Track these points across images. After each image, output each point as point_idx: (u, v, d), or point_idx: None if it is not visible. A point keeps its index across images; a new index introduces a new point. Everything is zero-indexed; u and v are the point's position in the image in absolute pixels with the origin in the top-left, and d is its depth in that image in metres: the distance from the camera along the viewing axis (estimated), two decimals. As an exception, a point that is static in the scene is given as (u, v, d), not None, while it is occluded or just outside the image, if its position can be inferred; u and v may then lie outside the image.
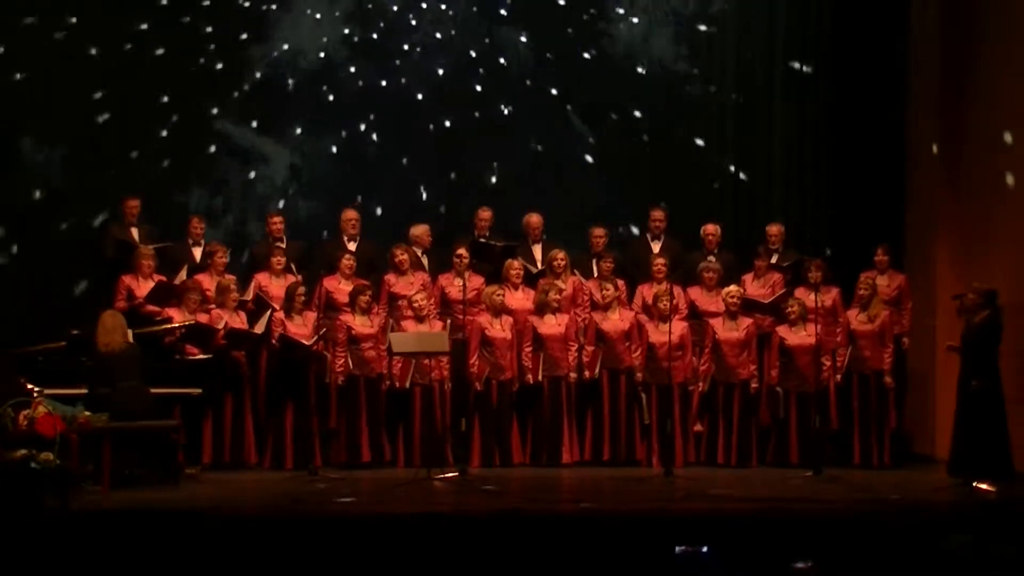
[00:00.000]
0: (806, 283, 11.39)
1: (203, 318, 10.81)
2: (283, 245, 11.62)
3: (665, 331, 11.02)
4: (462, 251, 11.42)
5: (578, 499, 9.55)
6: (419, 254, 11.74)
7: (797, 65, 13.10)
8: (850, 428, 11.24)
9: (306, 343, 10.68)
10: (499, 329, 11.20)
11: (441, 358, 10.93)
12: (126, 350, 9.74)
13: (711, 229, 11.98)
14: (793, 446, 11.21)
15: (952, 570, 7.32)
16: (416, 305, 11.02)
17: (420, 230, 11.83)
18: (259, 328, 10.83)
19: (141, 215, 11.64)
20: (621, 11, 13.14)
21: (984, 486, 9.65)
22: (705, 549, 7.20)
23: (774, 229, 12.03)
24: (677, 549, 7.19)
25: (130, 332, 10.01)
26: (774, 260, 11.83)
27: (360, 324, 11.03)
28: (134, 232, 11.56)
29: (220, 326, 10.77)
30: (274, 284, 11.30)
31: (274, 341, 10.85)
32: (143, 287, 11.03)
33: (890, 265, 11.70)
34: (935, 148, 12.37)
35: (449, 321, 11.24)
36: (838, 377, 11.25)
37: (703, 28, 13.20)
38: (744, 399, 11.30)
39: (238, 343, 10.84)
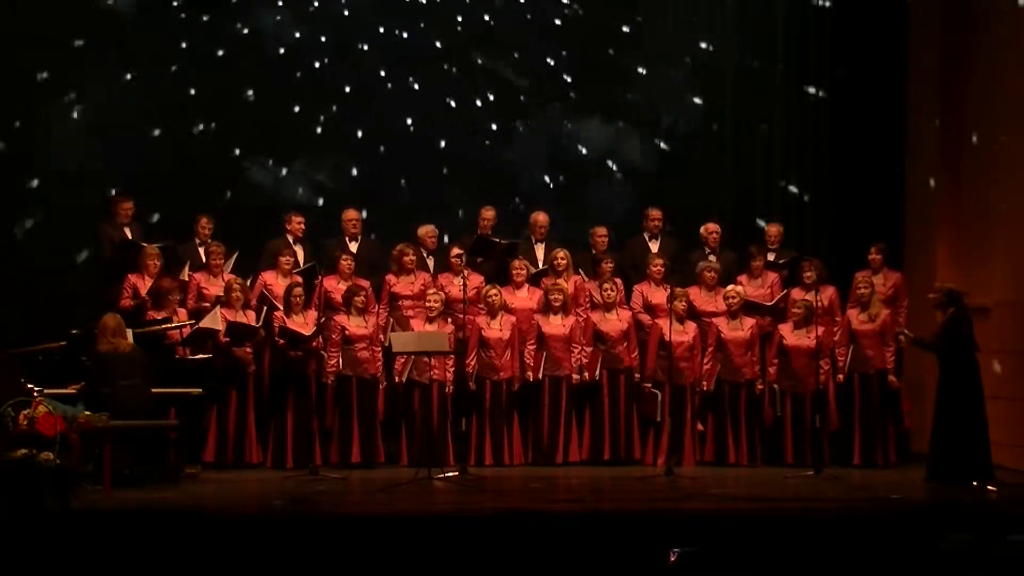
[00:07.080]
0: (801, 283, 11.38)
1: (183, 315, 10.81)
2: (299, 246, 11.59)
3: (680, 331, 10.99)
4: (456, 251, 11.42)
5: (578, 498, 9.55)
6: (424, 255, 11.74)
7: (796, 66, 13.14)
8: (851, 428, 11.22)
9: (306, 334, 10.71)
10: (496, 329, 11.20)
11: (446, 358, 10.94)
12: (128, 351, 9.73)
13: (712, 227, 11.95)
14: (788, 445, 11.19)
15: (952, 570, 7.32)
16: (429, 305, 11.02)
17: (426, 230, 11.81)
18: (257, 322, 10.85)
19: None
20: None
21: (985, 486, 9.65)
22: None
23: (773, 229, 12.02)
24: None
25: (130, 332, 10.00)
26: (771, 258, 11.82)
27: (355, 325, 11.03)
28: (127, 232, 11.55)
29: (219, 326, 10.77)
30: (280, 283, 11.28)
31: (276, 337, 10.86)
32: (148, 286, 11.01)
33: (884, 263, 11.66)
34: (935, 147, 12.38)
35: (450, 320, 11.24)
36: (840, 377, 11.23)
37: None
38: (750, 398, 11.30)
39: (237, 337, 10.84)
